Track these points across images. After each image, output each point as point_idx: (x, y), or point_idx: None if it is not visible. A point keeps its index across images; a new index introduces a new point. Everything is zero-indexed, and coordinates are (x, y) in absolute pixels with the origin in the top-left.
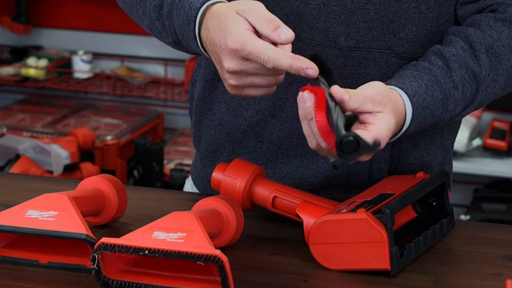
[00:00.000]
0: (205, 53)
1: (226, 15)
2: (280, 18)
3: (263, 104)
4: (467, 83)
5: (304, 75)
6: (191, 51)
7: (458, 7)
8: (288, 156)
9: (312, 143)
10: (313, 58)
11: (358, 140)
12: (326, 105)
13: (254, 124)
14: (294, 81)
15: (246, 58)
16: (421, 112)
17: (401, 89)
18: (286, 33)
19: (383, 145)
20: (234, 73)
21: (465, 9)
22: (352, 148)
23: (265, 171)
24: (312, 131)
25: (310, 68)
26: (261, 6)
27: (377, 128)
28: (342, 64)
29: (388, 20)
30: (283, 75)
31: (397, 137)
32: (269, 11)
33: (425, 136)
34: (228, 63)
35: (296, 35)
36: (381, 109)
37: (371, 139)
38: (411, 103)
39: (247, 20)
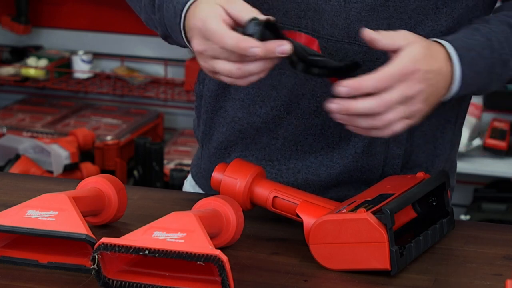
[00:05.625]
0: (190, 46)
1: (206, 1)
2: (296, 15)
3: (278, 100)
4: (509, 35)
5: (249, 54)
6: (179, 44)
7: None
8: (303, 152)
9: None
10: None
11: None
12: None
13: (268, 120)
14: (312, 77)
15: (208, 38)
16: (466, 54)
17: (438, 39)
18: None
19: (415, 68)
20: (199, 53)
21: None
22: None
23: (279, 167)
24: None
25: (256, 47)
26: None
27: (399, 58)
28: (361, 60)
29: (407, 16)
30: (251, 65)
31: (456, 87)
32: (284, 7)
33: (436, 130)
34: (194, 42)
35: (315, 31)
36: (412, 41)
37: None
38: (453, 46)
39: (223, 9)
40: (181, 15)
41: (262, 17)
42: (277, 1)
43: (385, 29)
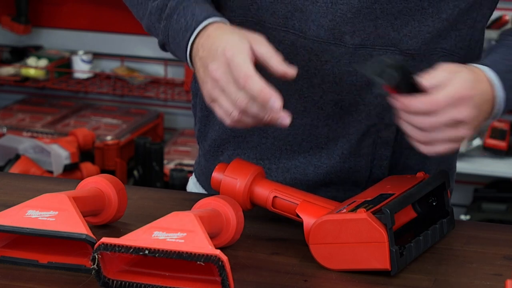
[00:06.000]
0: (188, 60)
1: (231, 31)
2: (283, 15)
3: None
4: None
5: (268, 105)
6: (175, 55)
7: None
8: (292, 152)
9: None
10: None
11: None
12: None
13: None
14: (300, 77)
15: (231, 71)
16: (507, 76)
17: (476, 65)
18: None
19: (467, 93)
20: (212, 79)
21: None
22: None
23: (269, 166)
24: None
25: (277, 101)
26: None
27: (452, 84)
28: (347, 61)
29: (393, 17)
30: (238, 115)
31: (501, 108)
32: (272, 7)
33: None
34: (215, 66)
35: (302, 32)
36: (458, 70)
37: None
38: (493, 71)
39: (250, 46)
40: (192, 32)
41: (390, 60)
42: (265, 2)
43: (371, 31)
